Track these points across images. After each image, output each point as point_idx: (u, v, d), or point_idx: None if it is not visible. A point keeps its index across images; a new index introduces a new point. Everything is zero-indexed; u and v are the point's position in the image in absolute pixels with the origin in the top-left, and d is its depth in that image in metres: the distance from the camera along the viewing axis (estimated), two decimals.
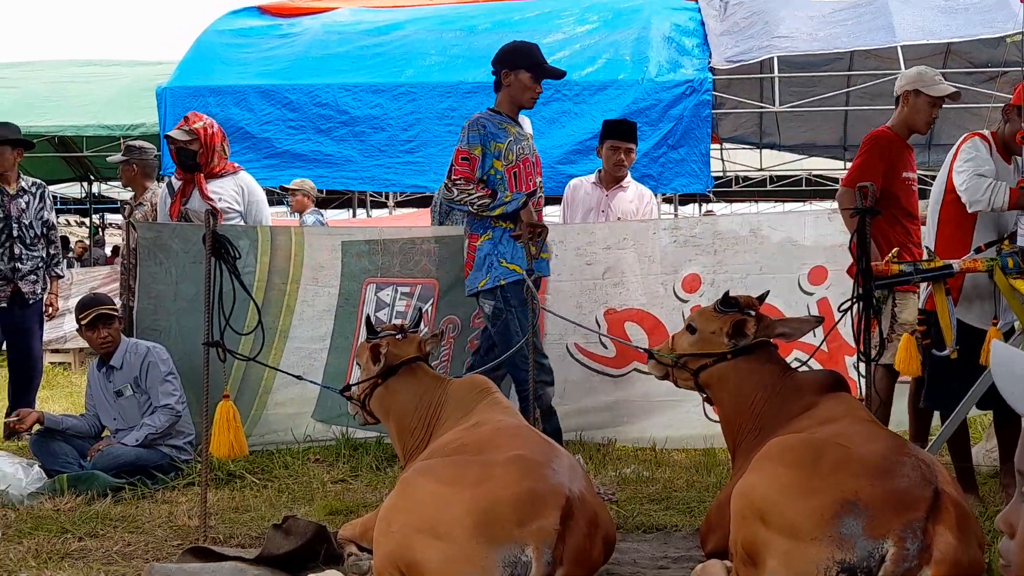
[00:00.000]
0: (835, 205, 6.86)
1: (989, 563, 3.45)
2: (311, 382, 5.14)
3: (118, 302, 6.38)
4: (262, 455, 5.79)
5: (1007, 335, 4.72)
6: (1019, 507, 1.35)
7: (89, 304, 5.77)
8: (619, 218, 6.72)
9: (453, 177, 5.48)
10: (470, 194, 5.40)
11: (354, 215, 17.19)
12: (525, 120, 6.39)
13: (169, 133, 6.47)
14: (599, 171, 6.87)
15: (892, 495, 3.04)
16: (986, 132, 4.96)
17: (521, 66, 5.50)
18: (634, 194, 6.85)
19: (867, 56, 10.51)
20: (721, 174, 16.61)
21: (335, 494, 5.18)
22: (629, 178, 6.91)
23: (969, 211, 4.74)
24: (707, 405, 6.19)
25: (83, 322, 5.69)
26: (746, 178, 18.53)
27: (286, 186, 9.83)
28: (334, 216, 19.51)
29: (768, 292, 4.39)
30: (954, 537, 2.98)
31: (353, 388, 4.30)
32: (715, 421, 6.13)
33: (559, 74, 5.71)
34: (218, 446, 4.36)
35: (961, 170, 4.79)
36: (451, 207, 6.33)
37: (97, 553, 4.06)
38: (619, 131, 6.77)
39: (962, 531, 3.02)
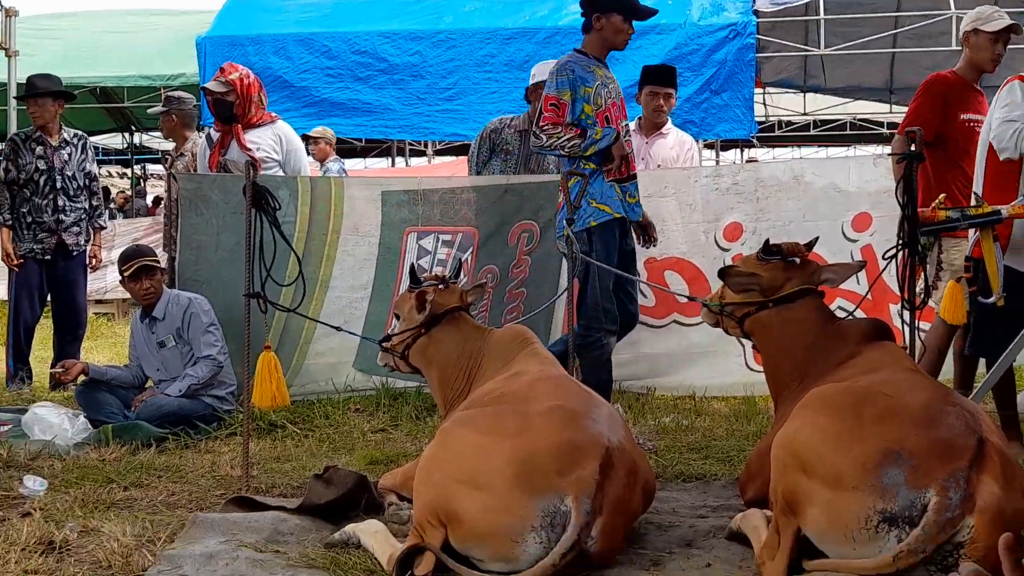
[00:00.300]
0: (880, 150, 6.76)
1: None
2: (350, 332, 5.15)
3: (161, 253, 6.43)
4: (303, 405, 5.84)
5: None
6: None
7: (132, 256, 5.81)
8: (659, 165, 6.65)
9: (541, 124, 5.42)
10: (559, 137, 5.35)
11: (393, 164, 17.17)
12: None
13: (206, 85, 6.46)
14: (639, 118, 6.79)
15: (935, 444, 3.00)
16: None
17: (612, 8, 5.37)
18: (675, 140, 6.77)
19: None
20: (764, 119, 16.38)
21: (375, 444, 5.22)
22: (670, 124, 6.83)
23: (1000, 158, 4.63)
24: (748, 354, 6.19)
25: (126, 273, 5.74)
26: (789, 123, 18.25)
27: (307, 134, 9.77)
28: (373, 164, 19.54)
29: (817, 239, 4.31)
30: (998, 486, 2.94)
31: (394, 338, 4.28)
32: (755, 371, 6.12)
33: (651, 13, 5.54)
34: (260, 397, 4.39)
35: (995, 115, 4.67)
36: (533, 152, 6.37)
37: (142, 503, 4.12)
38: (658, 76, 6.68)
39: (1006, 480, 2.97)
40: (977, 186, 4.84)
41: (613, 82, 5.50)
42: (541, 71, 6.53)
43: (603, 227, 5.38)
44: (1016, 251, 4.69)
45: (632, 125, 6.80)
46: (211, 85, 6.39)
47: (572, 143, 5.36)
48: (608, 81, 5.46)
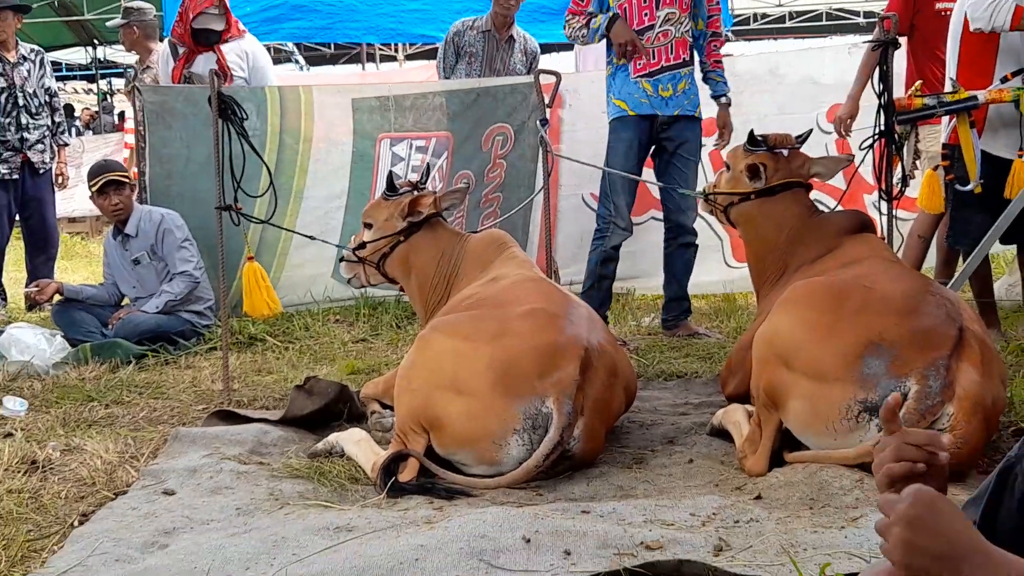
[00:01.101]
0: (857, 39, 6.67)
1: (1011, 399, 3.44)
2: (325, 242, 5.09)
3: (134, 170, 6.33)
4: (283, 318, 5.80)
5: None
6: None
7: (99, 171, 5.71)
8: None
9: (566, 15, 5.36)
10: (572, 27, 5.30)
11: (363, 70, 16.88)
12: None
13: (202, 25, 6.26)
14: None
15: (916, 334, 3.00)
16: None
17: None
18: None
19: None
20: (739, 13, 16.14)
21: (356, 353, 5.21)
22: None
23: (971, 29, 4.53)
24: (727, 251, 6.19)
25: (94, 189, 5.65)
26: (764, 15, 18.02)
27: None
28: (343, 71, 19.19)
29: (811, 131, 4.27)
30: (977, 374, 2.95)
31: (368, 246, 4.21)
32: (735, 267, 6.12)
33: None
34: (252, 306, 4.40)
35: None
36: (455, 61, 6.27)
37: (124, 420, 4.10)
38: None
39: (985, 368, 2.99)
40: (951, 71, 4.77)
41: None
42: None
43: (618, 123, 5.32)
44: (993, 134, 4.63)
45: None
46: (208, 22, 6.22)
47: (580, 32, 5.30)
48: None
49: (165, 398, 4.47)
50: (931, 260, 5.58)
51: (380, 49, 15.85)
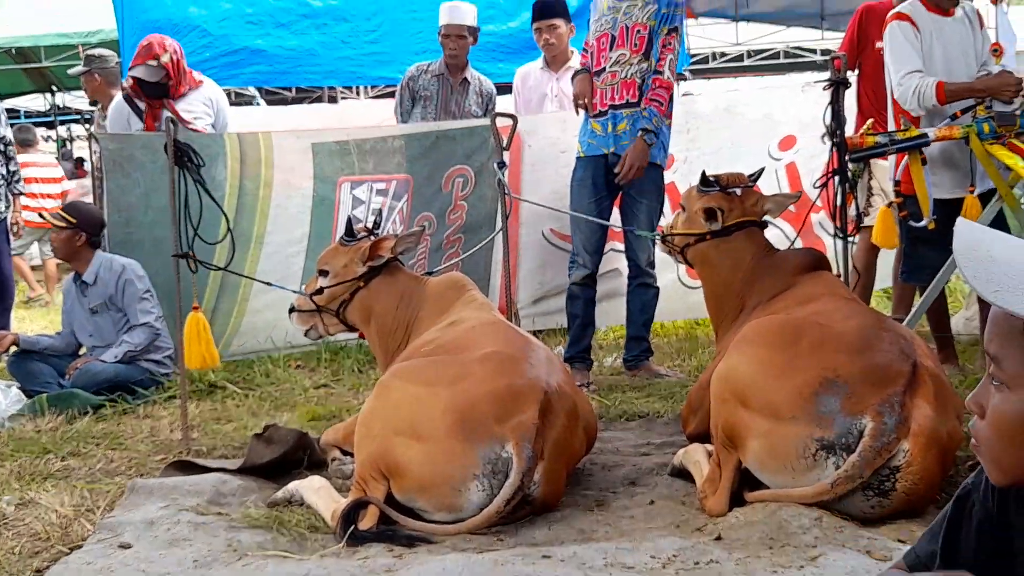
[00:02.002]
0: (814, 77, 6.81)
1: (967, 433, 3.47)
2: (282, 288, 5.03)
3: None
4: (243, 364, 5.77)
5: (983, 199, 4.64)
6: (988, 387, 1.33)
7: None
8: None
9: None
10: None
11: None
12: (463, 8, 6.25)
13: (135, 74, 6.20)
14: (543, 56, 6.74)
15: (870, 371, 3.03)
16: (904, 8, 4.77)
17: None
18: None
19: None
20: (697, 52, 16.33)
21: (317, 399, 5.18)
22: (576, 56, 6.77)
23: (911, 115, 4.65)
24: (680, 269, 6.24)
25: None
26: (723, 54, 18.23)
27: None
28: (306, 109, 19.13)
29: (762, 170, 4.32)
30: (932, 409, 2.98)
31: (325, 291, 4.19)
32: (690, 286, 6.18)
33: None
34: (191, 358, 4.35)
35: (890, 68, 4.69)
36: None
37: (80, 472, 4.05)
38: (536, 12, 6.61)
39: (940, 403, 3.02)
40: (890, 119, 4.83)
41: (619, 12, 5.21)
42: (446, 14, 6.44)
43: (576, 162, 5.42)
44: (939, 178, 4.68)
45: (539, 63, 6.77)
46: (141, 72, 6.10)
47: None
48: (610, 12, 5.23)
49: (123, 448, 4.41)
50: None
51: (341, 92, 15.86)
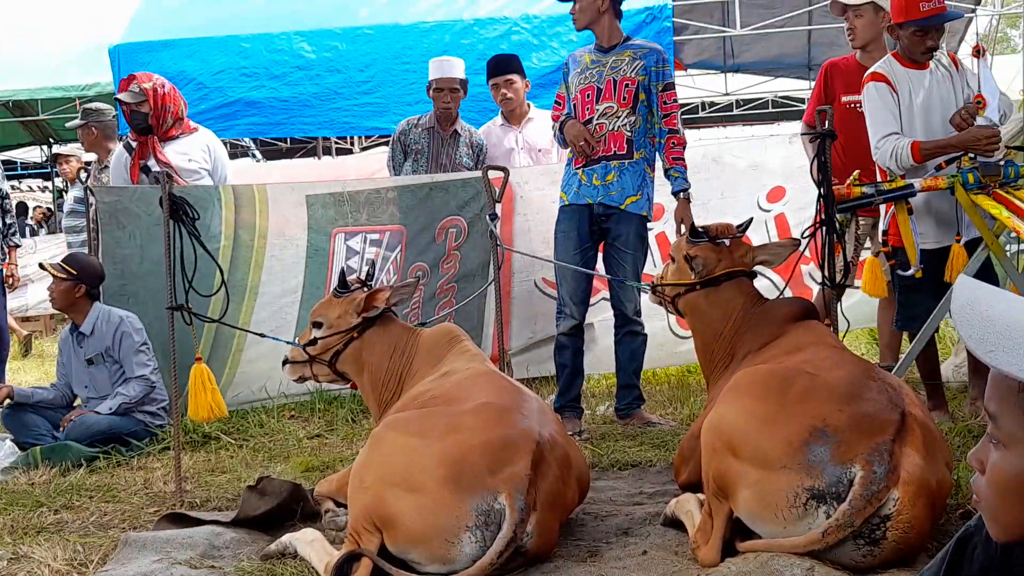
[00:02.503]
0: (799, 127, 6.88)
1: (958, 481, 3.49)
2: (275, 339, 5.05)
3: None
4: (237, 415, 5.77)
5: (969, 247, 4.70)
6: (988, 445, 1.35)
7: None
8: (539, 150, 6.70)
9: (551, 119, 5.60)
10: (553, 132, 5.58)
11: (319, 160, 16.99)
12: (453, 62, 6.34)
13: (118, 96, 6.32)
14: (502, 112, 6.83)
15: (859, 420, 3.05)
16: (880, 67, 4.87)
17: None
18: (547, 121, 6.75)
19: None
20: (687, 101, 16.51)
21: (311, 450, 5.18)
22: (533, 108, 6.86)
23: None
24: (671, 319, 6.28)
25: None
26: (712, 104, 18.43)
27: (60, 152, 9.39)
28: (300, 165, 19.28)
29: (751, 220, 4.37)
30: (921, 458, 3.01)
31: (319, 342, 4.22)
32: (681, 336, 6.21)
33: None
34: (196, 409, 4.37)
35: (869, 130, 4.78)
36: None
37: (73, 525, 4.04)
38: (492, 69, 6.71)
39: (929, 452, 3.04)
40: (878, 169, 4.90)
41: (604, 66, 5.30)
42: (437, 68, 6.52)
43: (560, 212, 5.46)
44: (924, 229, 4.74)
45: (499, 120, 6.84)
46: (123, 96, 6.24)
47: (556, 137, 5.56)
48: (595, 66, 5.31)
49: (116, 501, 4.41)
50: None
51: (336, 143, 16.00)
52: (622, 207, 5.27)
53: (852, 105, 5.32)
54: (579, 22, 5.33)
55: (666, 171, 5.29)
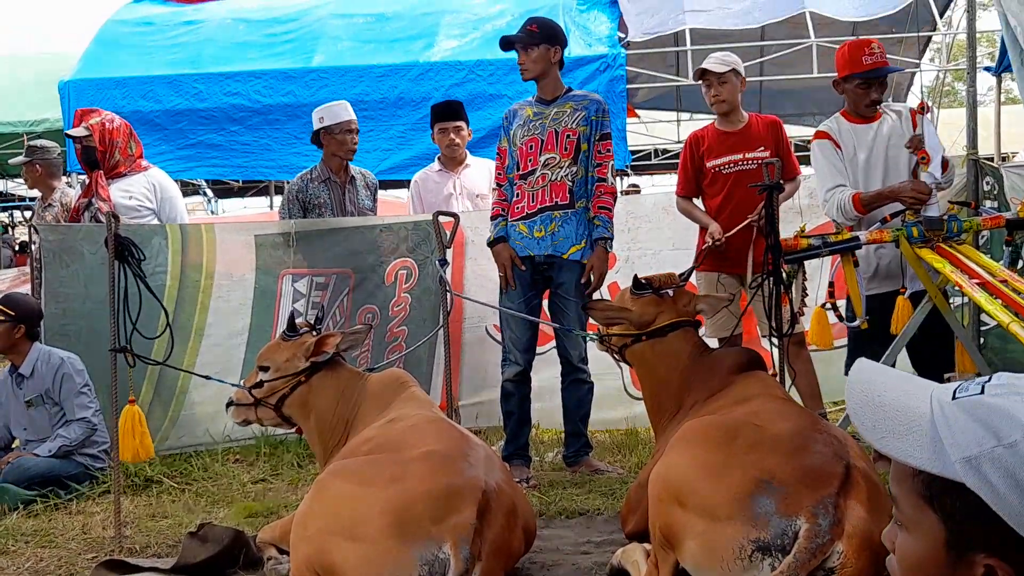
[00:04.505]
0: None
1: None
2: (219, 381, 4.98)
3: None
4: (180, 458, 5.68)
5: (913, 299, 4.77)
6: (895, 527, 1.36)
7: None
8: (478, 195, 6.70)
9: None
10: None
11: (271, 204, 16.94)
12: (344, 104, 6.38)
13: (68, 131, 6.27)
14: (439, 157, 6.80)
15: (804, 472, 3.07)
16: (825, 125, 5.05)
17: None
18: (484, 167, 6.77)
19: (779, 25, 10.58)
20: (639, 148, 16.67)
21: (255, 495, 5.10)
22: (470, 156, 6.87)
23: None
24: (626, 379, 6.28)
25: None
26: (664, 151, 18.62)
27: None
28: (252, 204, 19.23)
29: (693, 269, 4.42)
30: (865, 511, 3.02)
31: (265, 385, 4.18)
32: (635, 397, 6.20)
33: (509, 44, 5.38)
34: (124, 451, 4.31)
35: (817, 184, 4.96)
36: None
37: (8, 571, 3.95)
38: (444, 113, 6.71)
39: (873, 505, 3.06)
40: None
41: (547, 118, 5.30)
42: (333, 114, 6.40)
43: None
44: (870, 278, 4.86)
45: (435, 166, 6.82)
46: (73, 131, 6.20)
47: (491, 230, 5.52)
48: (537, 118, 5.31)
49: (53, 547, 4.31)
50: None
51: (287, 182, 15.93)
52: (565, 256, 5.27)
53: (718, 169, 5.45)
54: (529, 72, 5.33)
55: (591, 219, 5.29)
